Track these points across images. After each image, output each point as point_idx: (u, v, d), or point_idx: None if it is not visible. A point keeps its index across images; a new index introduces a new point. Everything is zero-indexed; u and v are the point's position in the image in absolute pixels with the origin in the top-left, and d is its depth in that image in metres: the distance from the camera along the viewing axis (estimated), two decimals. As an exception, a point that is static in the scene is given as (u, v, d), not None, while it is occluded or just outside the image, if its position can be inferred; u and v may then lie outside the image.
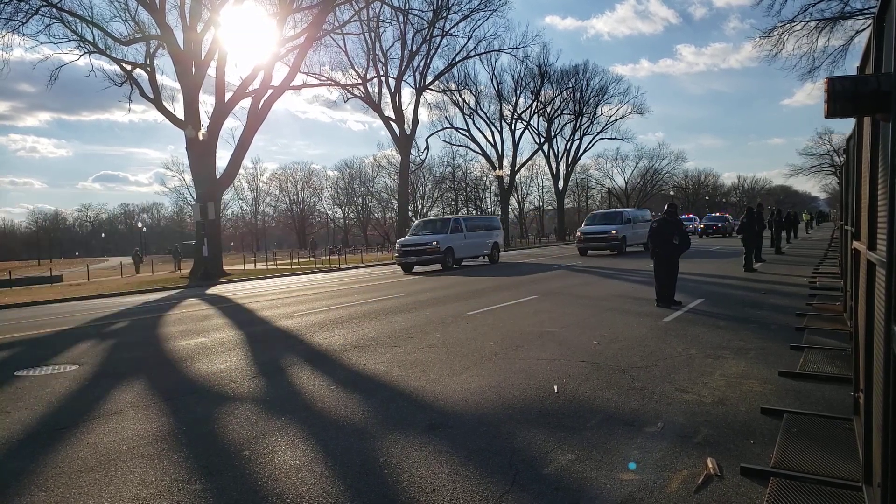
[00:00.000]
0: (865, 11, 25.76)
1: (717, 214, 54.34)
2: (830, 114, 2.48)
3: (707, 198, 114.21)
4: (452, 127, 60.48)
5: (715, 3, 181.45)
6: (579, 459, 4.07)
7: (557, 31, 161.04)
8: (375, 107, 45.45)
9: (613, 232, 27.41)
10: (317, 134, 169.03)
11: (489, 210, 79.77)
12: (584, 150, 71.76)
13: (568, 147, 69.65)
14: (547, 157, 68.46)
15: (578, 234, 29.39)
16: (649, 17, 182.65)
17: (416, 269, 24.54)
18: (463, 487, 3.70)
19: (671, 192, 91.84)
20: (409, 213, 61.29)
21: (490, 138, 61.38)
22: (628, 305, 11.45)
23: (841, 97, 2.42)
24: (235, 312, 13.73)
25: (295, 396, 6.06)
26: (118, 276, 39.64)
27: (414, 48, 45.41)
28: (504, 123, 62.12)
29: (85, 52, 28.80)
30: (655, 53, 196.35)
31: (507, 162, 62.49)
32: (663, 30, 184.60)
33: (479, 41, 54.68)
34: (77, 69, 45.48)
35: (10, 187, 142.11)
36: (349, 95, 45.05)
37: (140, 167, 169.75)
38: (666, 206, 12.00)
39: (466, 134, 60.95)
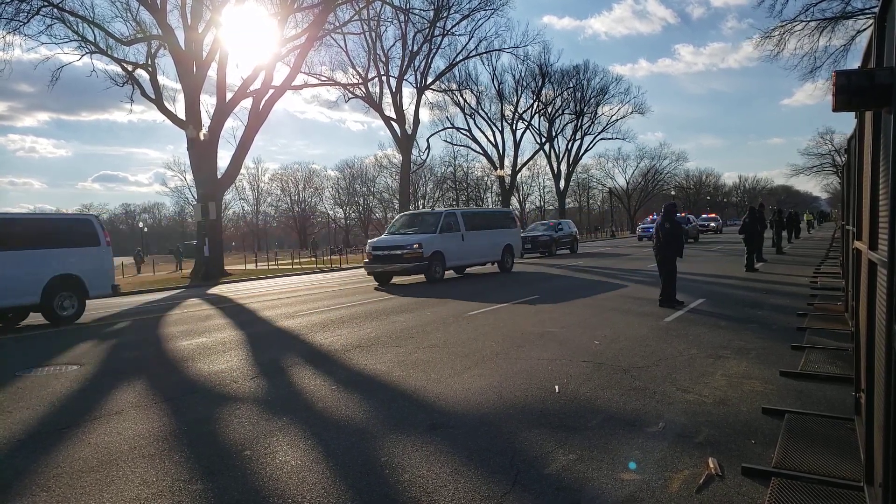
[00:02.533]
0: (866, 11, 25.74)
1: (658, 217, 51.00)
2: (838, 107, 2.50)
3: (708, 198, 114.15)
4: (453, 127, 60.54)
5: (713, 2, 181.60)
6: (581, 459, 4.07)
7: (555, 31, 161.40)
8: (376, 107, 45.44)
9: (416, 246, 17.75)
10: (316, 134, 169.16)
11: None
12: (586, 150, 71.87)
13: (569, 147, 69.73)
14: (548, 157, 68.52)
15: (367, 248, 19.34)
16: (647, 16, 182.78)
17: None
18: (464, 487, 3.70)
19: (672, 192, 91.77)
20: (410, 213, 61.27)
21: (491, 138, 61.46)
22: (629, 305, 11.45)
23: (847, 90, 2.43)
24: (237, 312, 13.73)
25: (296, 396, 6.07)
26: (119, 275, 39.65)
27: (415, 48, 45.42)
28: (505, 123, 62.19)
29: (86, 53, 28.82)
30: (654, 53, 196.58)
31: (508, 162, 62.54)
32: (661, 30, 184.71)
33: (481, 41, 54.75)
34: (77, 70, 45.62)
35: (10, 187, 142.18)
36: (350, 95, 45.04)
37: (140, 167, 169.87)
38: (663, 207, 12.00)
39: (467, 134, 61.02)
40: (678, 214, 34.81)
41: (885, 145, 2.57)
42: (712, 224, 53.49)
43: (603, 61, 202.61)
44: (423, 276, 18.49)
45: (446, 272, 19.44)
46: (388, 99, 46.01)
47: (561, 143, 69.14)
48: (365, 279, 21.81)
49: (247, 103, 29.49)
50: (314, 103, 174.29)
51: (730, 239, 38.44)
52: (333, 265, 34.56)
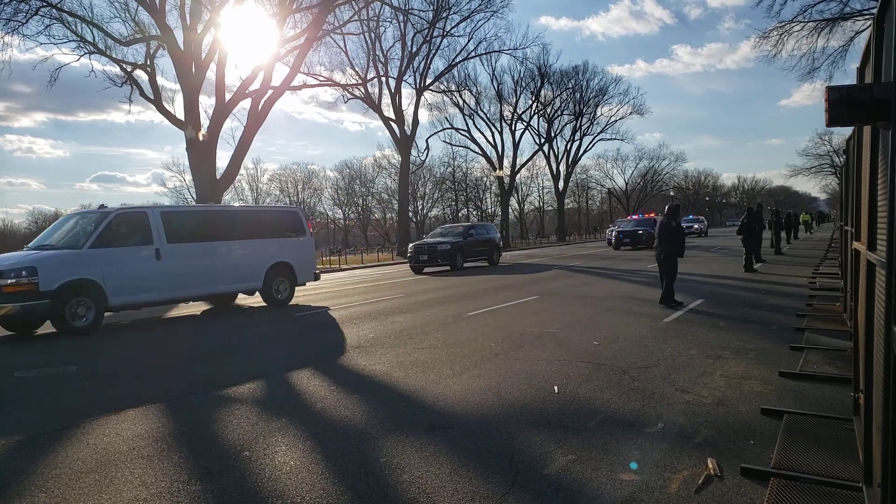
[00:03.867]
0: (865, 12, 25.76)
1: (636, 218, 38.66)
2: (831, 122, 2.51)
3: (707, 198, 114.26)
4: (453, 127, 60.50)
5: (710, 3, 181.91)
6: (580, 460, 4.07)
7: (552, 32, 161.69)
8: (375, 107, 45.44)
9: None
10: (313, 134, 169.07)
11: (490, 210, 79.82)
12: (585, 151, 71.80)
13: (568, 147, 69.69)
14: (547, 158, 68.47)
15: None
16: (644, 17, 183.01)
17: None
18: (463, 488, 3.70)
19: (671, 193, 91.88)
20: (410, 214, 61.33)
21: (490, 139, 61.41)
22: (628, 306, 11.46)
23: (840, 106, 2.44)
24: (235, 313, 13.72)
25: (295, 397, 6.07)
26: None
27: (414, 49, 45.41)
28: (504, 124, 62.14)
29: (85, 53, 28.78)
30: (651, 54, 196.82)
31: (507, 162, 62.50)
32: (659, 30, 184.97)
33: (480, 42, 54.94)
34: (74, 70, 45.78)
35: (8, 188, 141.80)
36: (350, 96, 45.04)
37: (138, 168, 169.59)
38: (667, 207, 12.07)
39: (467, 134, 60.98)
40: (652, 217, 33.28)
41: (884, 150, 2.58)
42: (696, 226, 51.24)
43: (600, 62, 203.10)
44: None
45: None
46: (387, 99, 46.03)
47: (560, 144, 69.15)
48: (364, 280, 21.81)
49: (246, 104, 29.47)
50: (312, 104, 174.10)
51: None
52: (332, 266, 34.53)
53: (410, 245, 25.66)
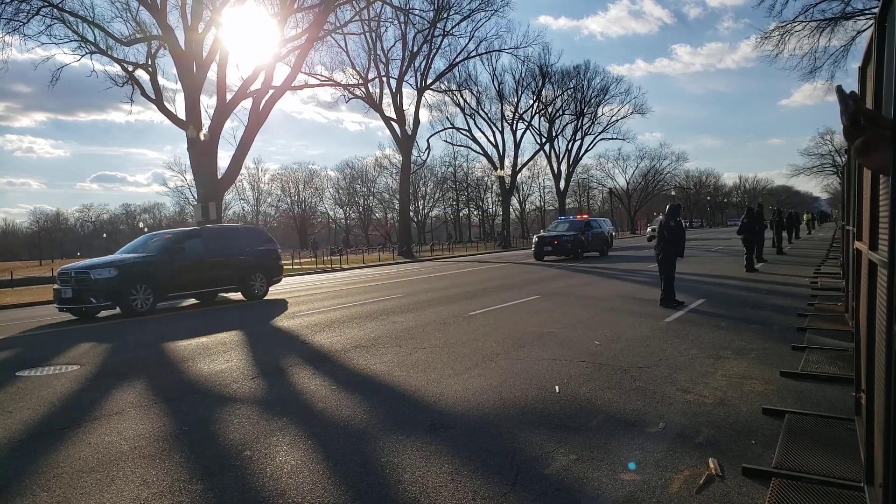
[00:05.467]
0: (866, 12, 25.73)
1: (572, 219, 32.50)
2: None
3: (708, 198, 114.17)
4: (454, 127, 60.55)
5: (709, 2, 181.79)
6: (581, 460, 4.07)
7: (551, 32, 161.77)
8: (377, 107, 45.45)
9: None
10: (313, 134, 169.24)
11: (491, 210, 79.79)
12: (586, 151, 71.87)
13: (569, 147, 69.71)
14: (548, 158, 68.49)
15: None
16: (643, 16, 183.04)
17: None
18: (464, 488, 3.70)
19: (672, 193, 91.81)
20: (411, 214, 61.31)
21: (491, 138, 61.43)
22: (629, 306, 11.45)
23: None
24: (236, 312, 13.73)
25: (296, 397, 6.07)
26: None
27: (415, 48, 45.42)
28: (505, 123, 62.16)
29: (86, 53, 28.81)
30: (651, 53, 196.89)
31: (508, 162, 62.50)
32: (658, 30, 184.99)
33: (481, 41, 54.89)
34: (74, 70, 46.15)
35: (9, 188, 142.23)
36: (350, 96, 45.08)
37: (138, 167, 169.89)
38: (668, 207, 12.05)
39: (468, 134, 61.02)
40: (582, 218, 32.50)
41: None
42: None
43: (600, 62, 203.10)
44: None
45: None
46: (388, 99, 46.05)
47: (561, 144, 69.20)
48: (366, 280, 21.80)
49: (247, 104, 29.49)
50: (311, 103, 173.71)
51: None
52: (334, 265, 34.54)
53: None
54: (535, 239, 29.71)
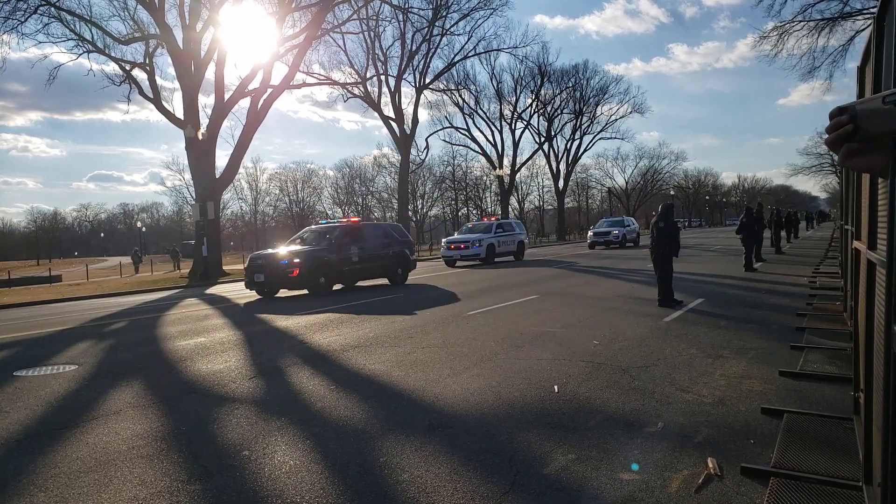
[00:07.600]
0: (865, 11, 25.76)
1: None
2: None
3: (707, 197, 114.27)
4: (452, 126, 60.52)
5: (705, 1, 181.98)
6: (580, 459, 4.06)
7: (547, 31, 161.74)
8: (375, 106, 45.44)
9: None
10: (310, 134, 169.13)
11: (490, 209, 79.84)
12: (585, 150, 71.83)
13: (568, 146, 69.70)
14: (547, 157, 68.48)
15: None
16: (639, 15, 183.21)
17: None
18: (463, 488, 3.70)
19: (671, 192, 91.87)
20: (410, 213, 61.29)
21: (490, 138, 61.45)
22: (629, 305, 11.45)
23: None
24: (234, 312, 13.72)
25: (294, 397, 6.06)
26: (117, 275, 39.63)
27: (414, 47, 45.42)
28: (504, 123, 62.18)
29: (84, 52, 28.79)
30: (648, 52, 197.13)
31: (507, 161, 62.53)
32: (654, 29, 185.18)
33: (479, 40, 54.79)
34: (70, 69, 46.47)
35: (4, 187, 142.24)
36: (349, 95, 45.04)
37: (135, 167, 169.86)
38: (661, 206, 12.03)
39: (466, 133, 61.01)
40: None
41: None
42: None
43: (597, 61, 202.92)
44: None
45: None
46: (386, 98, 46.06)
47: (560, 143, 69.16)
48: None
49: (245, 103, 29.47)
50: (307, 103, 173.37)
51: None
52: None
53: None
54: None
